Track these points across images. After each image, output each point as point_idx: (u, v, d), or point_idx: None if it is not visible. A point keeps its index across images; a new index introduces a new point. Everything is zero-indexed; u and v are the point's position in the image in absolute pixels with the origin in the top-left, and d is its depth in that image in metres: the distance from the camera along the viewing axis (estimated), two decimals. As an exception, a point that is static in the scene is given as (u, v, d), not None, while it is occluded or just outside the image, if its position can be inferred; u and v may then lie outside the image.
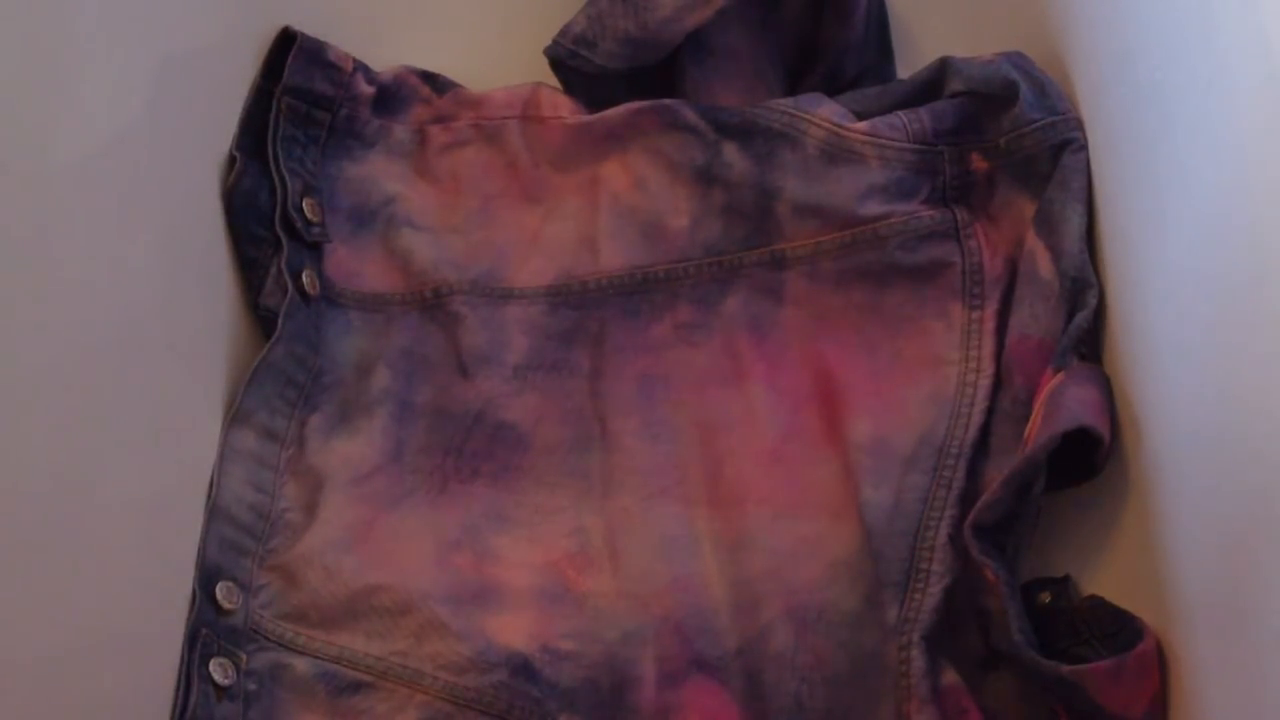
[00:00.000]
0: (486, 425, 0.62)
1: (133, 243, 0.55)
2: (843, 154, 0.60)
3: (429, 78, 0.68)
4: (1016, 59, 0.59)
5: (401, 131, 0.67)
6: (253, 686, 0.57)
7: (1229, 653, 0.45)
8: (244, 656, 0.57)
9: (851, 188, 0.60)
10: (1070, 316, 0.55)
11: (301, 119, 0.65)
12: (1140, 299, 0.52)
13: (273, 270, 0.63)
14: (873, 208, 0.60)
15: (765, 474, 0.59)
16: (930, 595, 0.54)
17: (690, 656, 0.56)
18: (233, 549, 0.59)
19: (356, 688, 0.57)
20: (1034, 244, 0.56)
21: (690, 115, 0.62)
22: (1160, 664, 0.50)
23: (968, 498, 0.55)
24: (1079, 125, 0.57)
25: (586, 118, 0.64)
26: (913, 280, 0.59)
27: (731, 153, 0.62)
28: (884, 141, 0.59)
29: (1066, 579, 0.55)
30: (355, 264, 0.65)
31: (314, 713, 0.57)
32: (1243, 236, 0.43)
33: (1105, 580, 0.54)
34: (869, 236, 0.60)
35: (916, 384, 0.58)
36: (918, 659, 0.54)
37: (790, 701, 0.55)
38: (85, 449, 0.51)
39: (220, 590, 0.58)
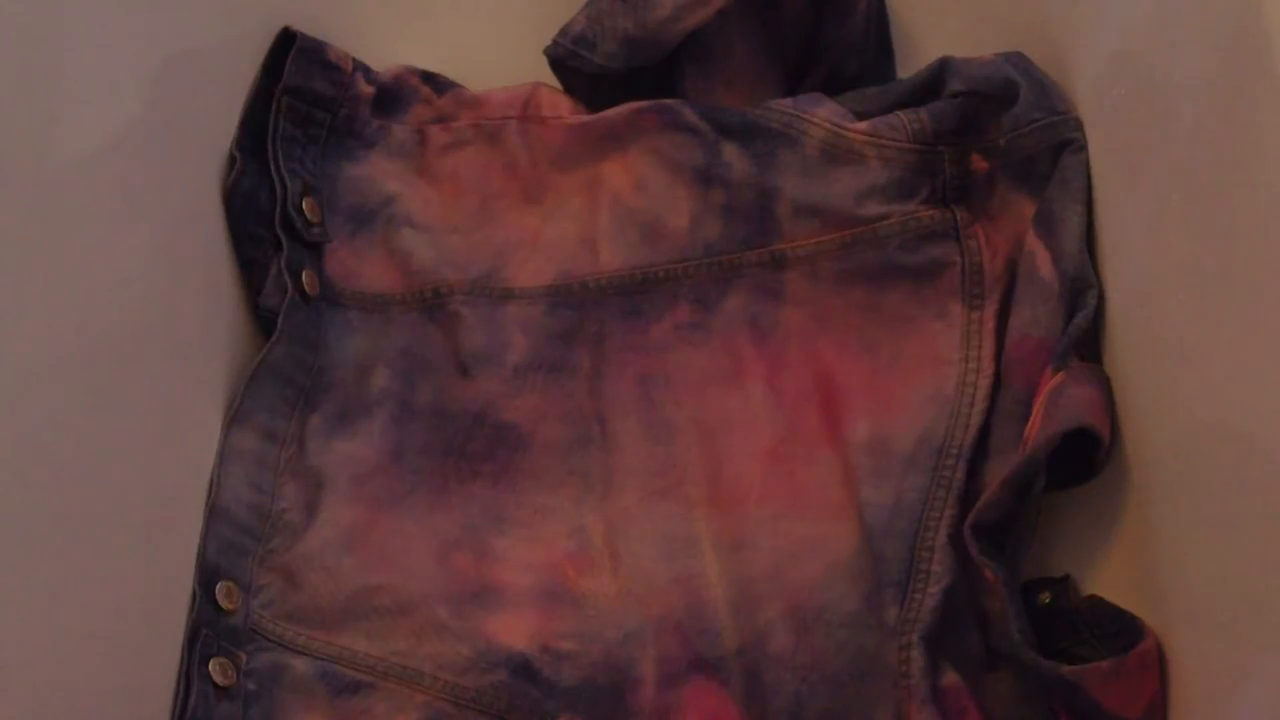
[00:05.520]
0: (486, 425, 0.62)
1: (133, 243, 0.55)
2: (843, 154, 0.60)
3: (429, 78, 0.68)
4: (1016, 59, 0.59)
5: (401, 131, 0.67)
6: (252, 687, 0.57)
7: (1229, 653, 0.45)
8: (244, 656, 0.57)
9: (851, 188, 0.60)
10: (1070, 317, 0.55)
11: (301, 119, 0.65)
12: (1140, 299, 0.52)
13: (273, 270, 0.63)
14: (872, 208, 0.59)
15: (765, 474, 0.59)
16: (930, 595, 0.54)
17: (690, 657, 0.56)
18: (233, 549, 0.59)
19: (356, 688, 0.57)
20: (1034, 244, 0.56)
21: (690, 115, 0.62)
22: (1160, 664, 0.50)
23: (968, 498, 0.55)
24: (1079, 125, 0.57)
25: (586, 118, 0.64)
26: (913, 280, 0.59)
27: (731, 153, 0.62)
28: (884, 141, 0.59)
29: (1066, 579, 0.55)
30: (355, 264, 0.65)
31: (314, 713, 0.57)
32: (1243, 236, 0.43)
33: (1105, 580, 0.54)
34: (869, 237, 0.60)
35: (916, 384, 0.58)
36: (918, 659, 0.54)
37: (790, 702, 0.55)
38: (85, 449, 0.51)
39: (220, 590, 0.58)
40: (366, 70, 0.67)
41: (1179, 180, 0.48)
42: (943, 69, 0.60)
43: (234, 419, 0.61)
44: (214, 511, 0.59)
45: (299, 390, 0.63)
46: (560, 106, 0.66)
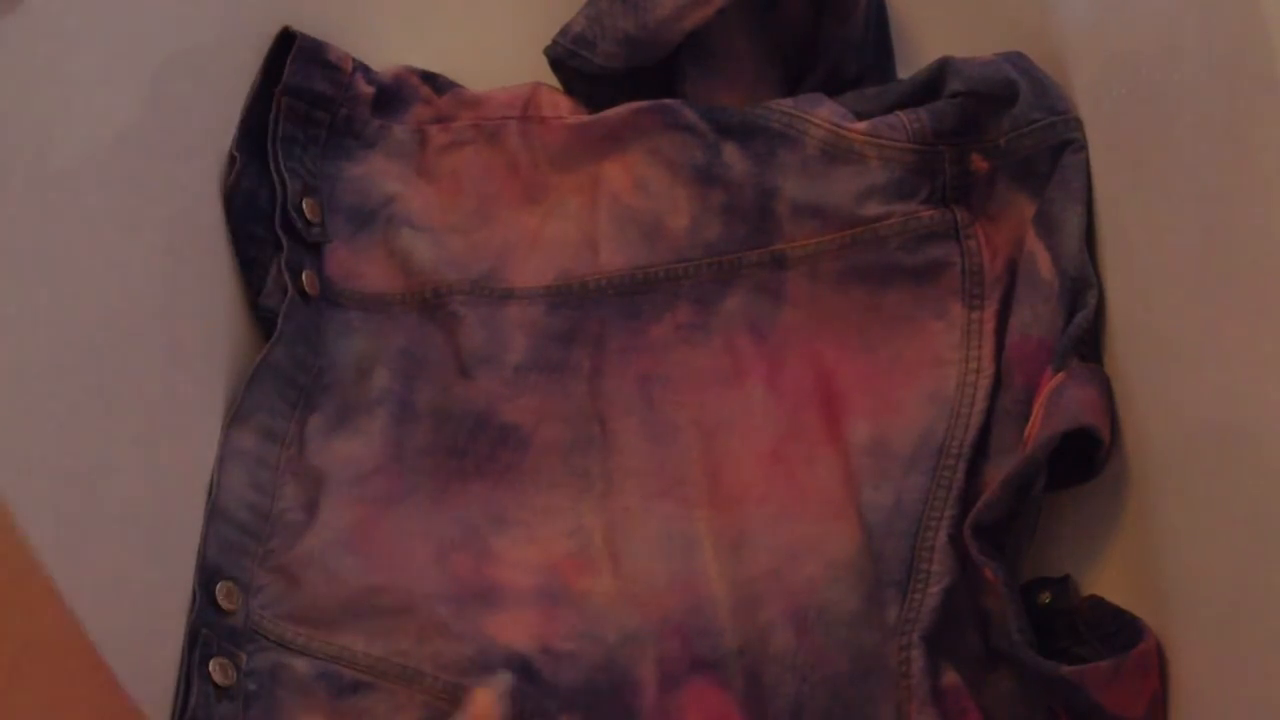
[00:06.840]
0: (487, 426, 0.62)
1: (133, 243, 0.55)
2: (843, 154, 0.60)
3: (429, 78, 0.68)
4: (1016, 59, 0.59)
5: (401, 131, 0.67)
6: (253, 687, 0.57)
7: (1229, 653, 0.45)
8: (244, 656, 0.57)
9: (851, 188, 0.60)
10: (1070, 316, 0.55)
11: (301, 119, 0.65)
12: (1140, 299, 0.52)
13: (273, 270, 0.63)
14: (873, 208, 0.59)
15: (765, 474, 0.59)
16: (930, 595, 0.54)
17: (690, 657, 0.56)
18: (233, 549, 0.59)
19: (356, 688, 0.57)
20: (1034, 244, 0.56)
21: (690, 115, 0.62)
22: (1160, 664, 0.50)
23: (968, 498, 0.55)
24: (1079, 125, 0.57)
25: (586, 118, 0.64)
26: (913, 280, 0.59)
27: (731, 153, 0.62)
28: (884, 141, 0.59)
29: (1066, 579, 0.55)
30: (355, 264, 0.65)
31: (314, 713, 0.57)
32: (1243, 236, 0.43)
33: (1105, 580, 0.54)
34: (869, 237, 0.60)
35: (916, 384, 0.58)
36: (918, 659, 0.54)
37: (790, 702, 0.55)
38: (85, 449, 0.51)
39: (220, 590, 0.58)
40: (366, 70, 0.67)
41: (1179, 180, 0.48)
42: (943, 69, 0.60)
43: (234, 419, 0.61)
44: (214, 511, 0.59)
45: (299, 390, 0.63)
46: (560, 106, 0.66)
